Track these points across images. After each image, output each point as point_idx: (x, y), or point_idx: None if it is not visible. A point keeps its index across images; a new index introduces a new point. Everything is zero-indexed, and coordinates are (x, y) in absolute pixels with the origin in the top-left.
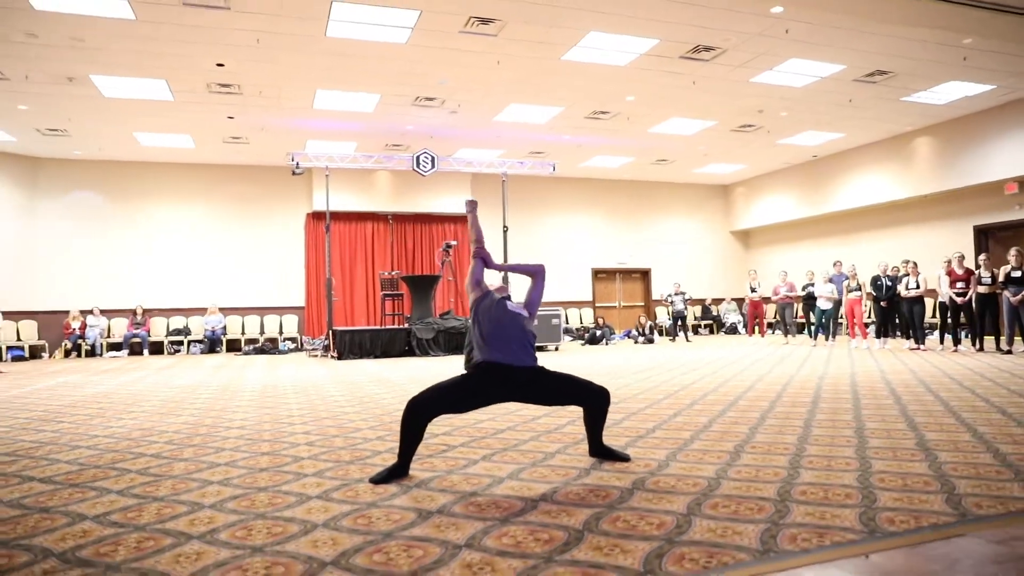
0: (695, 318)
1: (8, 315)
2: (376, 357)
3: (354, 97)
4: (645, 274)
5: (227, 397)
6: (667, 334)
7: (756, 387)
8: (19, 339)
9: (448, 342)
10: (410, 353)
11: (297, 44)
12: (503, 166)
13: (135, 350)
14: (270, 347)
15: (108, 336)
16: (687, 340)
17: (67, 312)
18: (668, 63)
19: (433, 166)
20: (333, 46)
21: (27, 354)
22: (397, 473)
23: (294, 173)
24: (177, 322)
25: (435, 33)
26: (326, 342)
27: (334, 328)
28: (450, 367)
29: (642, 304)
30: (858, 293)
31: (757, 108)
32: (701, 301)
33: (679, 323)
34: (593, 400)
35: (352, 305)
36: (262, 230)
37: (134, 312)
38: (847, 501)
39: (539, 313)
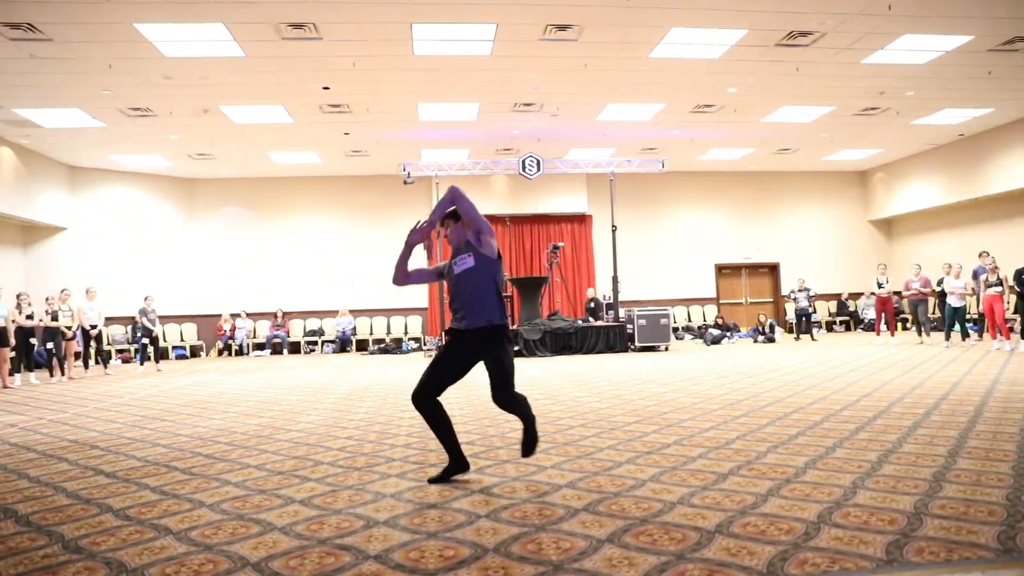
0: (829, 314)
1: (173, 319)
2: None
3: (455, 108)
4: (773, 268)
5: (311, 399)
6: (793, 332)
7: (907, 397)
8: (182, 340)
9: (555, 343)
10: (517, 355)
11: (389, 64)
12: (610, 165)
13: (276, 349)
14: (393, 347)
15: (253, 337)
16: (812, 339)
17: (219, 315)
18: (764, 52)
19: (538, 169)
20: (422, 63)
21: (188, 353)
22: (452, 470)
23: (405, 183)
24: (312, 324)
25: (516, 43)
26: (439, 343)
27: (446, 329)
28: (557, 368)
29: (771, 300)
30: (998, 289)
31: (877, 90)
32: (837, 296)
33: (804, 321)
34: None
35: None
36: (387, 235)
37: (275, 315)
38: (989, 518)
39: (647, 312)
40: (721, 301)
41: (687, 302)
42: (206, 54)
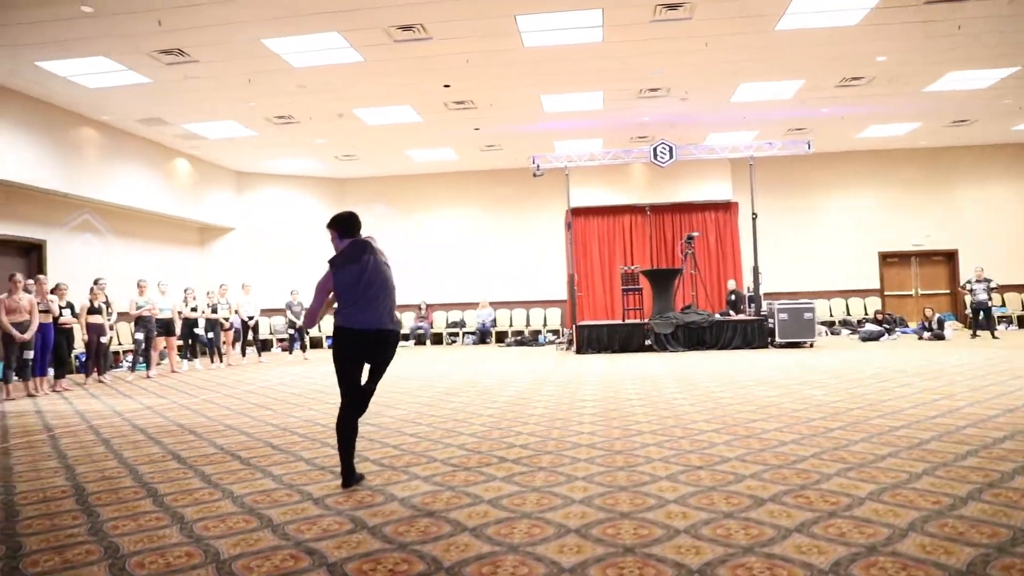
0: (1023, 307)
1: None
2: (614, 352)
3: (578, 97)
4: (950, 256)
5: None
6: (969, 328)
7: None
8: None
9: (688, 337)
10: (649, 348)
11: (501, 59)
12: (749, 149)
13: (420, 340)
14: (528, 339)
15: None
16: (993, 337)
17: None
18: (912, 12)
19: (671, 156)
20: (534, 55)
21: None
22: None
23: (534, 175)
24: (455, 316)
25: (626, 27)
26: (570, 336)
27: (577, 323)
28: (689, 362)
29: (946, 292)
30: None
31: None
32: None
33: (982, 316)
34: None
35: (612, 299)
36: (525, 228)
37: (419, 307)
38: None
39: (789, 306)
40: (886, 293)
41: (845, 294)
42: (329, 62)
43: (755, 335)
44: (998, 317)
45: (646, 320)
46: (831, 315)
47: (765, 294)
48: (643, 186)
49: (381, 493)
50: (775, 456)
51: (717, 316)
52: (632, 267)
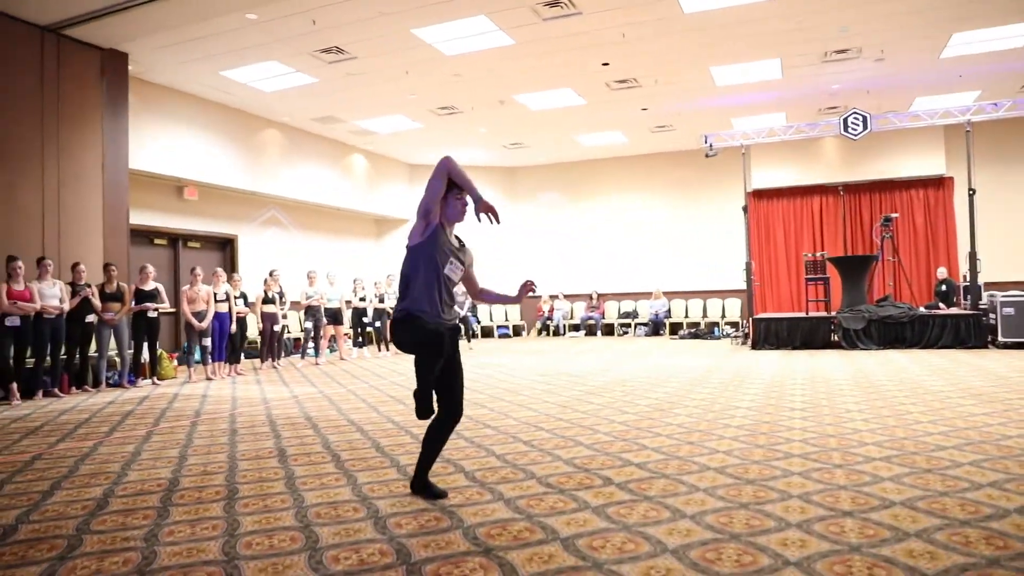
0: None
1: None
2: (794, 348)
3: (753, 67)
4: None
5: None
6: None
7: None
8: (506, 319)
9: (883, 334)
10: (835, 345)
11: (660, 29)
12: (966, 113)
13: (590, 330)
14: (703, 332)
15: (570, 318)
16: None
17: (540, 297)
18: None
19: (865, 127)
20: (696, 21)
21: (511, 332)
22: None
23: (707, 156)
24: (627, 306)
25: None
26: (746, 329)
27: (754, 315)
28: (880, 363)
29: None
30: None
31: None
32: None
33: None
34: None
35: (797, 290)
36: (702, 213)
37: (590, 296)
38: None
39: (1016, 299)
40: None
41: None
42: (480, 47)
43: (971, 332)
44: None
45: (833, 313)
46: None
47: (984, 284)
48: (835, 163)
49: (450, 517)
50: (974, 507)
51: (921, 310)
52: (817, 254)
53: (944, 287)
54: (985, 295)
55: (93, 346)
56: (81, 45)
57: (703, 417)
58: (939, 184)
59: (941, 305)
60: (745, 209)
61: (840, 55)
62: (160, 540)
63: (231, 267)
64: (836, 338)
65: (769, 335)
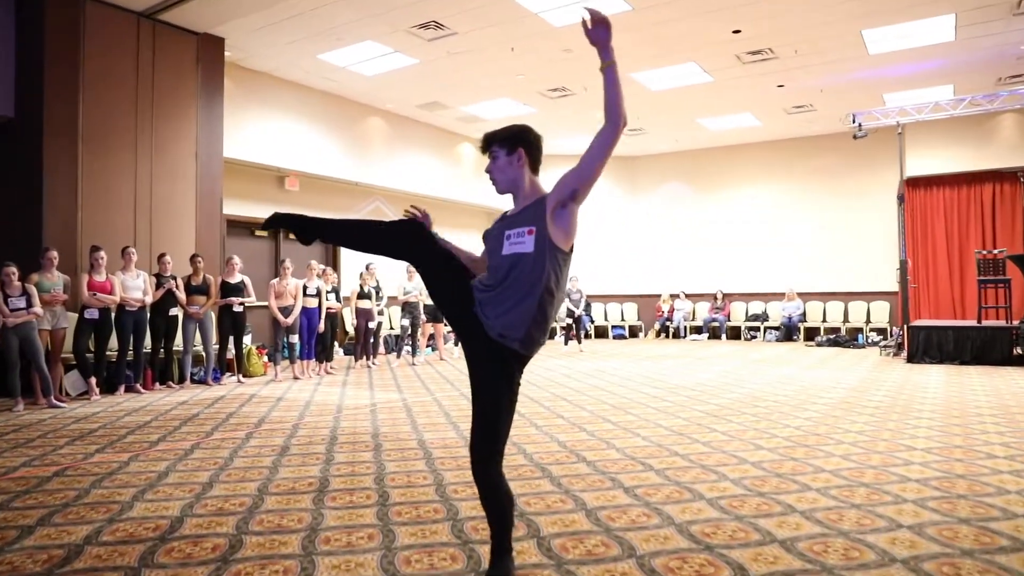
0: None
1: (614, 298)
2: (963, 363)
3: (918, 27)
4: None
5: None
6: None
7: None
8: (622, 319)
9: None
10: (1018, 361)
11: None
12: None
13: (714, 333)
14: (844, 339)
15: (692, 319)
16: None
17: (659, 296)
18: None
19: None
20: None
21: (627, 333)
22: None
23: (855, 137)
24: (756, 307)
25: None
26: (900, 339)
27: (909, 323)
28: None
29: None
30: None
31: None
32: None
33: None
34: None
35: (962, 293)
36: (846, 204)
37: (715, 296)
38: None
39: None
40: None
41: None
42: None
43: None
44: None
45: (1015, 323)
46: None
47: None
48: (1014, 144)
49: None
50: None
51: None
52: (995, 251)
53: None
54: None
55: (178, 340)
56: (176, 30)
57: (865, 462)
58: None
59: None
60: (901, 199)
61: None
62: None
63: (332, 261)
64: (1020, 351)
65: (930, 346)
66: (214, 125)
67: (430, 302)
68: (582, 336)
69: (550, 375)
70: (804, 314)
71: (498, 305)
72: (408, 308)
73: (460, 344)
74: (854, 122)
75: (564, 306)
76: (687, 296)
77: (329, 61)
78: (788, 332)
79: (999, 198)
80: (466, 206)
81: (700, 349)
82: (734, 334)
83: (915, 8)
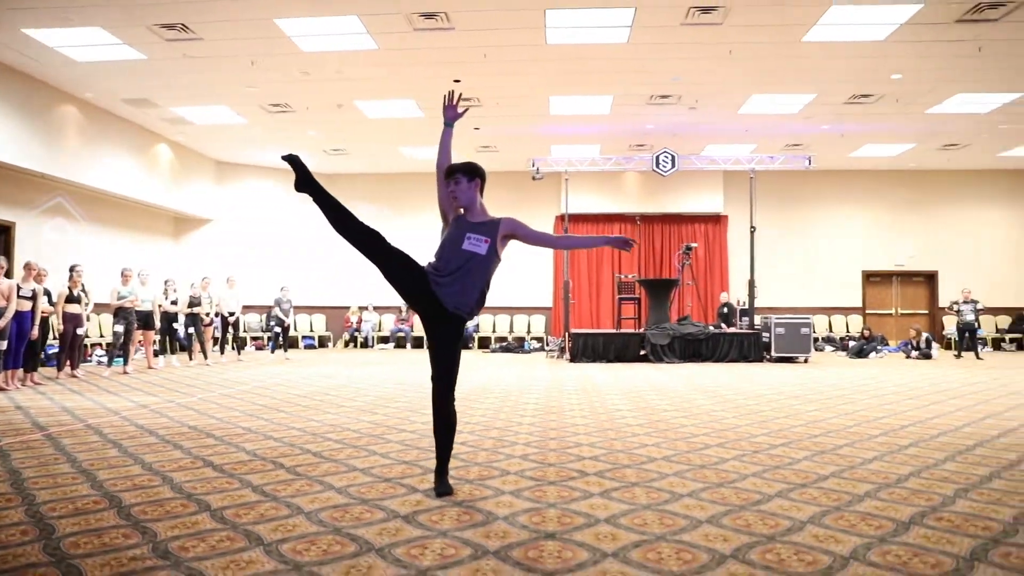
0: (996, 330)
1: (304, 309)
2: (609, 361)
3: (587, 101)
4: (930, 277)
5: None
6: (953, 348)
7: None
8: (311, 330)
9: (684, 349)
10: (644, 359)
11: (521, 55)
12: (750, 162)
13: (399, 343)
14: (515, 346)
15: (379, 330)
16: (977, 357)
17: (347, 308)
18: (941, 30)
19: (673, 166)
20: (556, 52)
21: (316, 343)
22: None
23: (534, 179)
24: None
25: (655, 29)
26: (563, 344)
27: (570, 330)
28: (686, 375)
29: (925, 312)
30: None
31: None
32: (1017, 310)
33: (968, 336)
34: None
35: (597, 308)
36: None
37: (400, 309)
38: None
39: (787, 320)
40: (868, 311)
41: (828, 311)
42: (341, 48)
43: (751, 349)
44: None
45: (642, 330)
46: (814, 331)
47: (754, 309)
48: (635, 195)
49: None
50: (791, 474)
51: (711, 328)
52: (629, 276)
53: (726, 309)
54: (759, 317)
55: None
56: None
57: (545, 440)
58: (717, 220)
59: (723, 325)
60: (566, 231)
61: (663, 99)
62: (180, 556)
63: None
64: (644, 352)
65: (586, 349)
66: None
67: (143, 308)
68: (287, 345)
69: (287, 379)
70: (478, 325)
71: (453, 287)
72: (122, 314)
73: (421, 319)
74: (533, 166)
75: (274, 314)
76: (375, 308)
77: (35, 37)
78: (464, 341)
79: (624, 234)
80: (157, 209)
81: (392, 357)
82: (418, 343)
83: (588, 86)
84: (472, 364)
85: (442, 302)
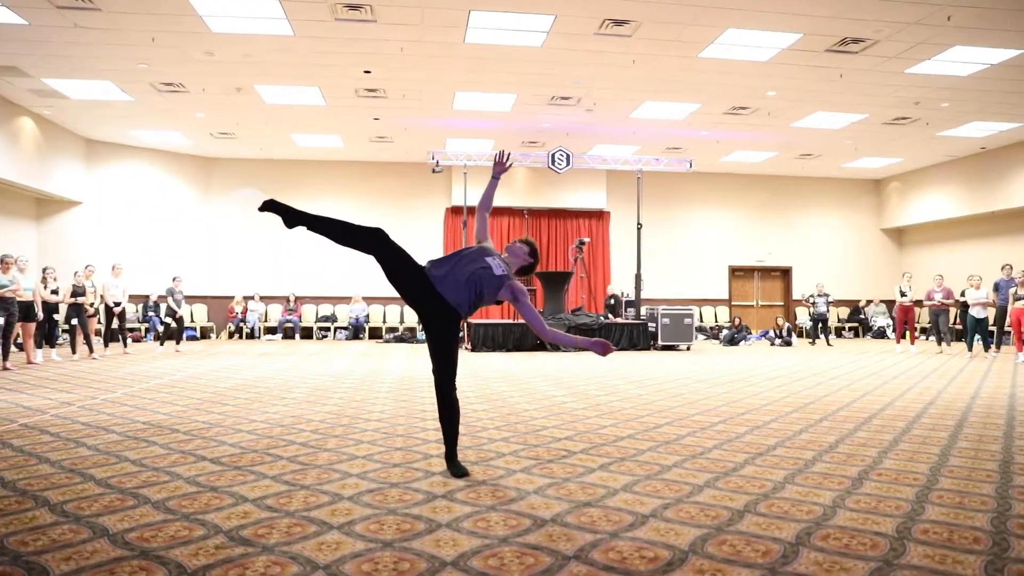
0: (839, 320)
1: (184, 299)
2: (508, 351)
3: (492, 98)
4: (785, 272)
5: (367, 388)
6: (807, 336)
7: (896, 403)
8: (192, 321)
9: None
10: (541, 348)
11: (438, 51)
12: (638, 163)
13: (288, 334)
14: (409, 336)
15: (265, 320)
16: (828, 344)
17: (231, 297)
18: (812, 57)
19: (568, 163)
20: (472, 51)
21: (198, 334)
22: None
23: (434, 171)
24: (325, 309)
25: (570, 36)
26: (461, 334)
27: (469, 321)
28: (578, 362)
29: (781, 304)
30: None
31: (913, 100)
32: (854, 302)
33: (820, 326)
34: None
35: None
36: (405, 223)
37: (288, 299)
38: (974, 546)
39: (672, 311)
40: (733, 303)
41: (700, 302)
42: (254, 31)
43: (640, 337)
44: None
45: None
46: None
47: (632, 300)
48: (523, 190)
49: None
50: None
51: (602, 318)
52: None
53: (612, 300)
54: (644, 308)
55: None
56: None
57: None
58: (600, 216)
59: (610, 315)
60: (464, 224)
61: (564, 101)
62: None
63: None
64: (539, 341)
65: (487, 339)
66: None
67: (24, 298)
68: (182, 337)
69: (196, 372)
70: (368, 315)
71: (456, 288)
72: (3, 305)
73: (420, 317)
74: (432, 158)
75: (166, 306)
76: (261, 298)
77: None
78: (356, 331)
79: (512, 228)
80: (20, 190)
81: (289, 348)
82: (307, 334)
83: (495, 85)
84: (375, 354)
85: (443, 295)
